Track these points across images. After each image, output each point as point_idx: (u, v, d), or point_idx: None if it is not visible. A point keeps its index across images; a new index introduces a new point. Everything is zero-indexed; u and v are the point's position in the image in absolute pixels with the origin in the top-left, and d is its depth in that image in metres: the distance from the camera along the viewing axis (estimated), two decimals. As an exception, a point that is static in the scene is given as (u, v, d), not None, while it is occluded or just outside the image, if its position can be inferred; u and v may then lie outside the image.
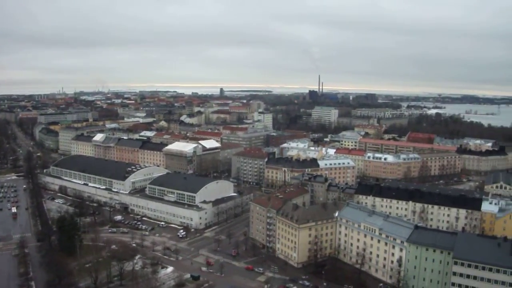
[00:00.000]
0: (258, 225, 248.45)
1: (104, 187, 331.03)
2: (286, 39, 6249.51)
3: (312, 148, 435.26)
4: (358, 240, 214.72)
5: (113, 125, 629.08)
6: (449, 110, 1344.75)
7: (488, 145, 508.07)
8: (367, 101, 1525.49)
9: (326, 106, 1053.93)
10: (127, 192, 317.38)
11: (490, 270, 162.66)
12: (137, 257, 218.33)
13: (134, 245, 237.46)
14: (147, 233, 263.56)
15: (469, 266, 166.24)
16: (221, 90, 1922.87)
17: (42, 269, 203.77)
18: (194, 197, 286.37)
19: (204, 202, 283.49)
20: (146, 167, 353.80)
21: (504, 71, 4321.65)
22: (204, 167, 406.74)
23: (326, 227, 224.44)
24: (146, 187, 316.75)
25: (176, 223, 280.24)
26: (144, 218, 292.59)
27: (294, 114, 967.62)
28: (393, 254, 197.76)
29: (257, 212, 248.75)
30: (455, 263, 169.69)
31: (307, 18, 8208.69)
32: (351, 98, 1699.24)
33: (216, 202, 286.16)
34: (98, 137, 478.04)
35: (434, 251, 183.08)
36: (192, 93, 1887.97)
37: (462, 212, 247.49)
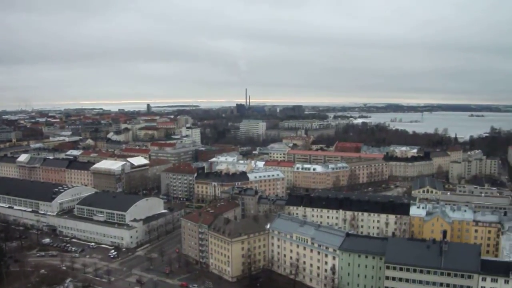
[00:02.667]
0: (190, 241, 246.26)
1: (30, 209, 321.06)
2: (212, 53, 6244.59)
3: (241, 161, 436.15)
4: (291, 250, 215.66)
5: (38, 145, 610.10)
6: (375, 119, 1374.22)
7: (413, 151, 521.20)
8: (294, 113, 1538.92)
9: (254, 119, 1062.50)
10: (55, 214, 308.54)
11: (421, 271, 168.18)
12: (67, 281, 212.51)
13: (64, 268, 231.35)
14: (77, 255, 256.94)
15: (401, 269, 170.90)
16: (148, 106, 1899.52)
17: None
18: (124, 215, 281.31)
19: (135, 220, 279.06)
20: (74, 187, 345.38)
21: (425, 80, 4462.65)
22: (133, 185, 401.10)
23: (259, 239, 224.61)
24: (74, 208, 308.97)
25: (107, 243, 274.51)
26: (73, 240, 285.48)
27: (222, 128, 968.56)
28: (326, 263, 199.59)
29: (188, 228, 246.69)
30: (387, 267, 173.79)
31: (233, 32, 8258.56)
32: (278, 111, 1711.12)
33: (147, 220, 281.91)
34: (23, 157, 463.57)
35: (366, 257, 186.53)
36: (119, 109, 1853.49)
37: (392, 217, 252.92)
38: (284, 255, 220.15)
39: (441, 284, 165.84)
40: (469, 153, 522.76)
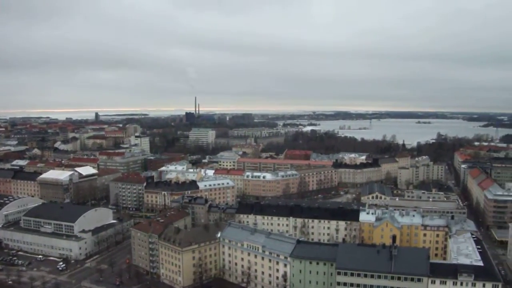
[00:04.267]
0: (140, 251, 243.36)
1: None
2: (161, 61, 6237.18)
3: (191, 170, 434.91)
4: (242, 259, 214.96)
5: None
6: (324, 126, 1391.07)
7: (362, 158, 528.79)
8: (244, 121, 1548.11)
9: (203, 127, 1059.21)
10: (0, 226, 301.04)
11: (372, 276, 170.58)
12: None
13: (10, 282, 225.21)
14: (24, 268, 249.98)
15: (352, 274, 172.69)
16: (97, 114, 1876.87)
17: None
18: (73, 227, 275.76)
19: (83, 231, 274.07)
20: (20, 198, 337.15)
21: (373, 87, 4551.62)
22: (82, 195, 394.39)
23: (210, 248, 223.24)
24: (20, 220, 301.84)
25: (55, 255, 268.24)
26: (20, 253, 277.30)
27: (171, 136, 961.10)
28: (277, 270, 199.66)
29: (138, 238, 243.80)
30: (338, 273, 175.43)
31: (182, 41, 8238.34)
32: (227, 119, 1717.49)
33: (96, 231, 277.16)
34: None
35: (318, 263, 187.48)
36: (66, 118, 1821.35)
37: (342, 223, 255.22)
38: (236, 264, 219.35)
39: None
40: (416, 159, 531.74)
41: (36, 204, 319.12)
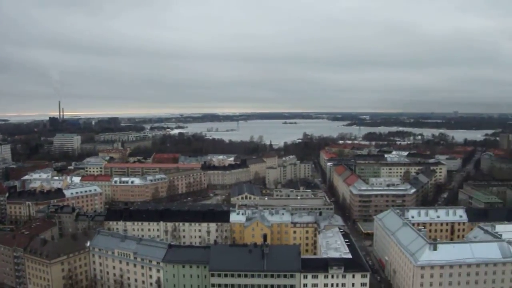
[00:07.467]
0: (5, 267, 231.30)
1: None
2: (21, 63, 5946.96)
3: (56, 177, 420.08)
4: (114, 267, 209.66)
5: None
6: (192, 129, 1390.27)
7: (230, 159, 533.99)
8: (110, 125, 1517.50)
9: (68, 132, 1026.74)
10: None
11: (245, 276, 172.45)
12: None
13: None
14: None
15: (225, 275, 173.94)
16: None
17: None
18: None
19: None
20: None
21: (239, 90, 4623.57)
22: None
23: (79, 258, 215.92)
24: None
25: None
26: None
27: (34, 143, 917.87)
28: (151, 276, 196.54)
29: (1, 253, 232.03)
30: (212, 275, 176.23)
31: (43, 42, 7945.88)
32: (93, 123, 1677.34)
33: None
34: None
35: (191, 267, 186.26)
36: None
37: (213, 225, 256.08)
38: (107, 273, 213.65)
39: (266, 286, 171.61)
40: (284, 158, 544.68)
41: None
